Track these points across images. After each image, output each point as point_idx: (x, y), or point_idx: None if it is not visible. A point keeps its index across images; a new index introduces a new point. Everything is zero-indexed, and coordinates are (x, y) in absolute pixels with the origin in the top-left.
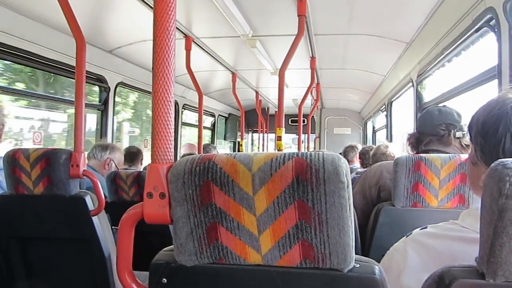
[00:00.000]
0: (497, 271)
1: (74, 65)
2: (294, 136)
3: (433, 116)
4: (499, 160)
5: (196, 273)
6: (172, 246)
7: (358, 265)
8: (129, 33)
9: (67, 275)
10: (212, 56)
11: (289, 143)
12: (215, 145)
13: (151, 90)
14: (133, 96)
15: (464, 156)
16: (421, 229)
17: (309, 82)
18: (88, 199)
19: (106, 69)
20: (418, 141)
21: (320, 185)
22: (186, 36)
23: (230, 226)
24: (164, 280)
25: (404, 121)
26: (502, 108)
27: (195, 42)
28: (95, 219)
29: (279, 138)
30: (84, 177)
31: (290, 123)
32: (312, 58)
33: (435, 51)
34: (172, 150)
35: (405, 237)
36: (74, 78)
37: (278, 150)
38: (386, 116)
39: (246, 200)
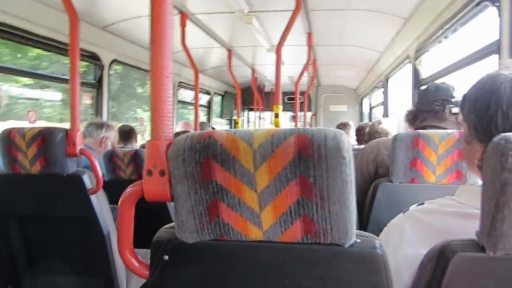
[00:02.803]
0: (498, 244)
1: (67, 42)
2: (290, 113)
3: (430, 92)
4: (501, 134)
5: (197, 249)
6: (173, 224)
7: (359, 240)
8: (123, 9)
9: (66, 253)
10: (207, 33)
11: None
12: (210, 123)
13: (146, 68)
14: (128, 74)
15: (462, 132)
16: (418, 205)
17: (306, 59)
18: (85, 178)
19: (100, 46)
20: (414, 118)
21: (322, 161)
22: (181, 12)
23: (231, 202)
24: (166, 257)
25: (401, 97)
26: (493, 85)
27: (189, 19)
28: (93, 197)
29: (276, 116)
30: (81, 155)
31: (286, 100)
32: (309, 34)
33: (434, 27)
34: (171, 126)
35: (402, 213)
36: (67, 56)
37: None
38: (383, 92)
39: (247, 177)
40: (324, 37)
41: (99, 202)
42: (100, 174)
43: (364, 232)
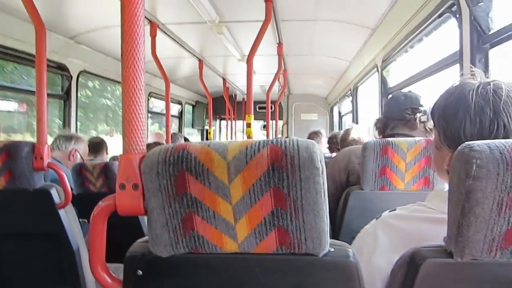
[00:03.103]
0: (464, 250)
1: (34, 52)
2: (261, 122)
3: (399, 101)
4: (466, 143)
5: (172, 263)
6: (146, 237)
7: (332, 249)
8: (92, 19)
9: (34, 271)
10: (178, 43)
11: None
12: (182, 133)
13: (115, 78)
14: (97, 85)
15: (429, 140)
16: (390, 211)
17: (276, 68)
18: (53, 192)
19: (68, 57)
20: (385, 126)
21: (295, 172)
22: (151, 22)
23: (205, 215)
24: (140, 272)
25: (370, 106)
26: (461, 93)
27: (160, 29)
28: (62, 212)
29: (248, 125)
30: (49, 169)
31: (257, 109)
32: (279, 44)
33: (399, 37)
34: (144, 140)
35: (375, 219)
36: (33, 67)
37: (248, 137)
38: (352, 101)
39: (222, 189)
40: (294, 47)
41: (68, 217)
42: (69, 188)
43: (337, 241)
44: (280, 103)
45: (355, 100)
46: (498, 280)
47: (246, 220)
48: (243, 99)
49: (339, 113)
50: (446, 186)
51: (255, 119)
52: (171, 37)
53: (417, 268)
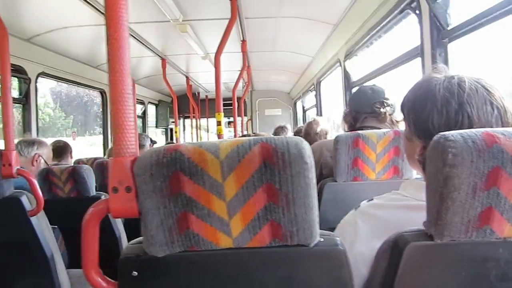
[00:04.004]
0: (444, 232)
1: None
2: (226, 119)
3: (367, 95)
4: (440, 133)
5: (167, 262)
6: (139, 239)
7: (322, 239)
8: (49, 20)
9: (8, 281)
10: (141, 42)
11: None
12: (146, 133)
13: (76, 80)
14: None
15: (396, 131)
16: (368, 201)
17: (239, 65)
18: (24, 199)
19: (25, 59)
20: (355, 119)
21: (287, 168)
22: None
23: (200, 213)
24: (135, 273)
25: (333, 99)
26: (428, 87)
27: None
28: (33, 219)
29: (218, 123)
30: (18, 176)
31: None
32: (243, 42)
33: (361, 32)
34: (134, 142)
35: (353, 210)
36: None
37: (219, 135)
38: (315, 95)
39: (216, 187)
40: (257, 43)
41: (40, 223)
42: (41, 194)
43: (325, 231)
44: (244, 99)
45: (318, 94)
46: (474, 259)
47: (240, 216)
48: (206, 96)
49: (303, 107)
50: (414, 174)
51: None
52: (133, 36)
53: (401, 251)
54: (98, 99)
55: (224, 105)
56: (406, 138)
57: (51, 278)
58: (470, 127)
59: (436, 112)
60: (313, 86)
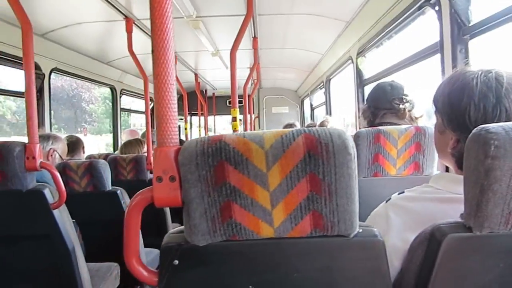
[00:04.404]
0: (483, 224)
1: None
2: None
3: (387, 91)
4: (480, 126)
5: (208, 251)
6: (180, 228)
7: (361, 230)
8: (64, 15)
9: (28, 274)
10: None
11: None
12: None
13: (88, 76)
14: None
15: (417, 127)
16: (399, 194)
17: (248, 62)
18: (47, 192)
19: (39, 55)
20: (373, 115)
21: (330, 158)
22: (126, 17)
23: (244, 203)
24: (176, 261)
25: (342, 97)
26: (465, 80)
27: (136, 24)
28: (56, 212)
29: (234, 119)
30: (41, 169)
31: (228, 104)
32: (255, 38)
33: (376, 29)
34: (177, 132)
35: (384, 202)
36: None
37: (234, 131)
38: (325, 93)
39: (260, 177)
40: (268, 40)
41: (62, 216)
42: (63, 187)
43: (363, 222)
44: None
45: (328, 92)
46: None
47: (282, 205)
48: (213, 94)
49: (311, 105)
50: (434, 171)
51: (227, 114)
52: (146, 32)
53: (438, 243)
54: (87, 95)
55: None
56: (438, 131)
57: (72, 270)
58: (508, 121)
59: (473, 106)
60: (322, 84)
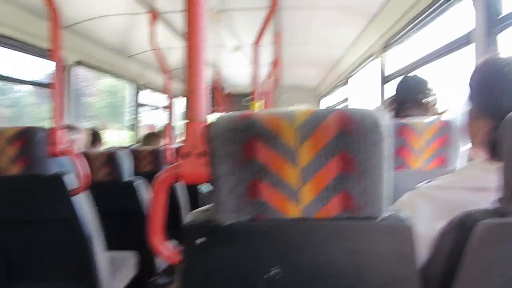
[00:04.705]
0: None
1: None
2: None
3: (412, 85)
4: None
5: (233, 230)
6: (205, 207)
7: (389, 214)
8: (89, 8)
9: (48, 258)
10: (176, 33)
11: None
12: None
13: (111, 69)
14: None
15: (443, 121)
16: (426, 183)
17: (267, 58)
18: (67, 178)
19: (63, 46)
20: (398, 108)
21: (362, 137)
22: (151, 11)
23: (272, 180)
24: (200, 240)
25: (364, 94)
26: (497, 67)
27: (160, 18)
28: (76, 198)
29: None
30: (64, 155)
31: (244, 103)
32: (277, 33)
33: (402, 23)
34: (206, 109)
35: (409, 192)
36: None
37: None
38: (346, 90)
39: (290, 154)
40: (291, 36)
41: (82, 203)
42: (85, 174)
43: (390, 207)
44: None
45: (349, 90)
46: None
47: (312, 184)
48: (230, 92)
49: (330, 103)
50: (458, 165)
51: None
52: (170, 26)
53: (468, 230)
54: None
55: (247, 101)
56: (472, 117)
57: (91, 257)
58: None
59: (506, 93)
60: (343, 81)
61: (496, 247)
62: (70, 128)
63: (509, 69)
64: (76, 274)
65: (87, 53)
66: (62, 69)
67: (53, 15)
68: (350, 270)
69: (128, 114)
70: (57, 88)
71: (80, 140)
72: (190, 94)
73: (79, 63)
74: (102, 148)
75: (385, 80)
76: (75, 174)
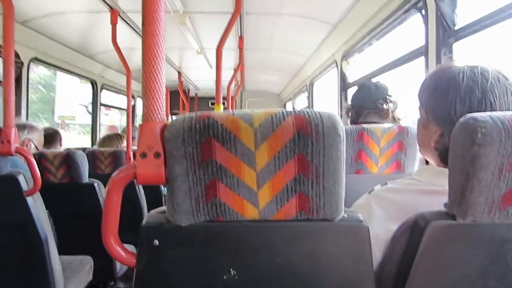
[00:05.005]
0: (467, 212)
1: None
2: None
3: (371, 91)
4: (468, 115)
5: (190, 232)
6: (162, 208)
7: (346, 215)
8: (46, 3)
9: (0, 261)
10: (137, 33)
11: None
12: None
13: (69, 68)
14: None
15: (401, 127)
16: (382, 185)
17: (232, 63)
18: (21, 178)
19: (19, 43)
20: (358, 114)
21: (320, 139)
22: (112, 9)
23: (229, 182)
24: (156, 241)
25: (325, 100)
26: (450, 74)
27: (121, 16)
28: (29, 200)
29: None
30: (16, 154)
31: (210, 105)
32: (241, 38)
33: (361, 32)
34: (164, 108)
35: (367, 194)
36: None
37: None
38: (308, 97)
39: (248, 156)
40: (254, 41)
41: (36, 205)
42: (39, 174)
43: (347, 208)
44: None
45: (311, 96)
46: (493, 240)
47: (269, 186)
48: (196, 94)
49: (293, 109)
50: (416, 170)
51: None
52: (131, 26)
53: (421, 231)
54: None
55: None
56: (421, 125)
57: (44, 260)
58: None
59: (459, 100)
60: (305, 87)
61: (446, 248)
62: (25, 126)
63: (463, 77)
64: (30, 279)
65: (44, 50)
66: (13, 64)
67: (7, 10)
68: (307, 271)
69: (59, 109)
70: (9, 85)
71: (36, 140)
72: (146, 94)
73: (36, 60)
74: (61, 148)
75: (345, 87)
76: (29, 175)
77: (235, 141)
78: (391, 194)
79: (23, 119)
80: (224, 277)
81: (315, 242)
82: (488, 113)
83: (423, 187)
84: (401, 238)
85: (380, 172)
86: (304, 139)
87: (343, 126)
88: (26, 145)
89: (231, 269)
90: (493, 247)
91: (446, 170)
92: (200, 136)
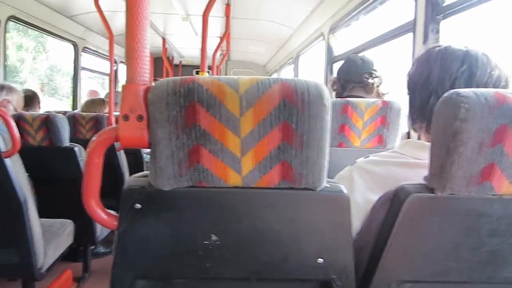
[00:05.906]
0: (446, 185)
1: None
2: None
3: (357, 65)
4: (452, 90)
5: (173, 197)
6: (144, 172)
7: (328, 185)
8: None
9: None
10: None
11: None
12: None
13: (48, 29)
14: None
15: (384, 101)
16: (365, 157)
17: (218, 31)
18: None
19: None
20: (343, 88)
21: (305, 108)
22: None
23: (213, 148)
24: (138, 205)
25: (311, 73)
26: (431, 50)
27: None
28: (8, 161)
29: None
30: None
31: (194, 74)
32: (227, 5)
33: (349, 6)
34: (148, 70)
35: (349, 165)
36: None
37: None
38: (294, 69)
39: (232, 122)
40: (241, 10)
41: (15, 166)
42: (17, 135)
43: (330, 179)
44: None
45: (296, 68)
46: (469, 213)
47: (252, 153)
48: (180, 62)
49: None
50: (397, 145)
51: None
52: None
53: (401, 203)
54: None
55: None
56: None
57: (23, 222)
58: (470, 82)
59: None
60: (291, 60)
61: (424, 220)
62: (3, 87)
63: (444, 48)
64: (10, 241)
65: (23, 9)
66: None
67: None
68: (287, 238)
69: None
70: None
71: (14, 101)
72: (130, 55)
73: (13, 18)
74: (39, 111)
75: (332, 60)
76: (7, 136)
77: (220, 107)
78: (372, 166)
79: (0, 80)
80: (205, 241)
81: (297, 210)
82: (472, 89)
83: (405, 159)
84: (380, 209)
85: (362, 146)
86: (290, 107)
87: (329, 96)
88: (4, 106)
89: (212, 234)
90: (469, 220)
91: (428, 144)
92: (184, 100)
